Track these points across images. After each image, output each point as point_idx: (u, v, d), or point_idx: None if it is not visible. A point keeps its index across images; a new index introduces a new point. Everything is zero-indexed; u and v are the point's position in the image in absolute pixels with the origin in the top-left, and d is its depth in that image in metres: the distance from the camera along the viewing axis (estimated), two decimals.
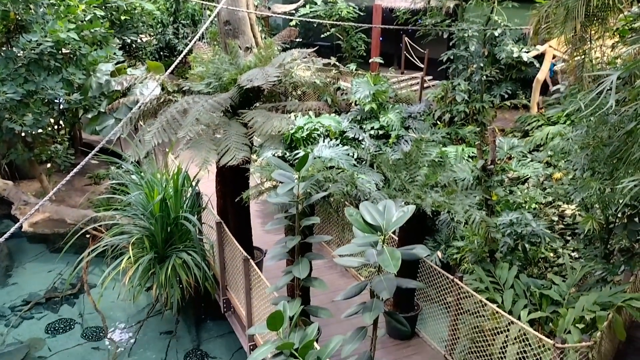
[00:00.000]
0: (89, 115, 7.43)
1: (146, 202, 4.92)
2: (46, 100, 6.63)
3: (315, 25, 10.02)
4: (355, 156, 5.84)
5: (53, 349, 4.97)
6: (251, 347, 4.08)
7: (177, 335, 5.15)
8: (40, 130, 6.83)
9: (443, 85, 6.39)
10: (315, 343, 2.34)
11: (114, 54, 7.50)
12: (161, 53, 9.86)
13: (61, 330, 5.22)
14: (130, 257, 4.79)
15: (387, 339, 3.94)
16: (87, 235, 6.02)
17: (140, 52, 9.46)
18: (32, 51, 6.20)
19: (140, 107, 4.30)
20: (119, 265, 4.80)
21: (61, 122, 7.83)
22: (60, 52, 6.62)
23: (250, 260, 3.84)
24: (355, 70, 8.52)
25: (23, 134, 6.74)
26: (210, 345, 5.07)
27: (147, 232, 4.88)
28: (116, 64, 7.54)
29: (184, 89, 4.37)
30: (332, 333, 3.41)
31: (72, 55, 6.87)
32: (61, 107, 7.23)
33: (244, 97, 4.00)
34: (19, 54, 6.34)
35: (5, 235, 2.75)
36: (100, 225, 5.79)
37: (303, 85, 4.54)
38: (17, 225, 3.04)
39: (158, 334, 5.17)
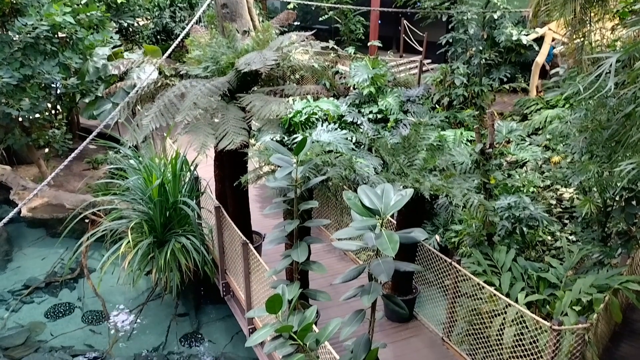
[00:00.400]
0: (87, 100, 7.39)
1: (145, 187, 4.91)
2: (43, 85, 6.59)
3: (313, 9, 9.94)
4: (353, 140, 5.82)
5: (54, 333, 5.00)
6: (250, 330, 4.11)
7: (177, 318, 5.19)
8: (37, 115, 6.81)
9: (442, 68, 6.35)
10: (314, 326, 2.35)
11: (111, 37, 7.44)
12: (158, 37, 9.78)
13: (61, 315, 5.26)
14: (129, 241, 4.80)
15: (385, 321, 3.97)
16: (86, 220, 6.02)
17: (137, 36, 9.38)
18: (28, 35, 6.15)
19: (137, 91, 4.28)
20: (118, 249, 4.81)
21: (58, 106, 7.80)
22: (56, 36, 6.57)
23: (249, 244, 3.84)
24: (354, 53, 8.46)
25: (20, 119, 6.71)
26: (209, 329, 5.12)
27: (145, 216, 4.88)
28: (113, 48, 7.47)
29: (181, 72, 4.34)
30: (331, 316, 3.43)
31: (68, 39, 6.82)
32: (58, 91, 7.20)
33: (242, 81, 3.98)
34: (14, 38, 6.28)
35: (4, 220, 2.75)
36: (99, 210, 5.80)
37: (301, 69, 4.51)
38: (15, 210, 3.04)
39: (158, 318, 5.21)
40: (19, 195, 7.02)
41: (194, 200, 4.85)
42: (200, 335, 4.91)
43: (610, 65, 2.17)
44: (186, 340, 4.85)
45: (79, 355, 4.72)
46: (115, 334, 4.95)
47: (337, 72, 7.88)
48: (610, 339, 3.29)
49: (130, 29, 9.19)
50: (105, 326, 5.05)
